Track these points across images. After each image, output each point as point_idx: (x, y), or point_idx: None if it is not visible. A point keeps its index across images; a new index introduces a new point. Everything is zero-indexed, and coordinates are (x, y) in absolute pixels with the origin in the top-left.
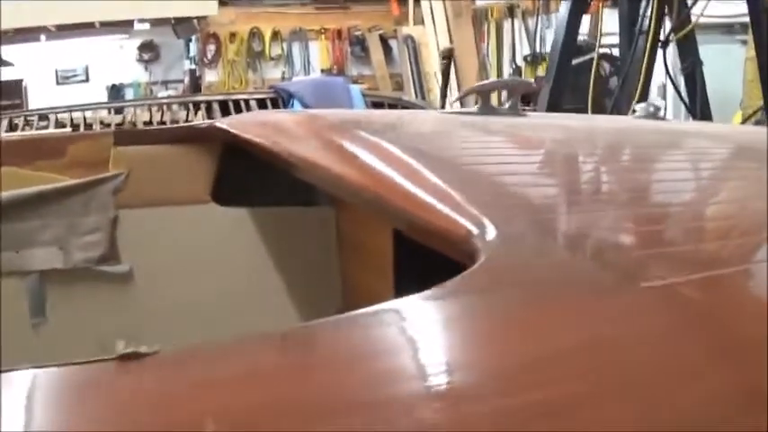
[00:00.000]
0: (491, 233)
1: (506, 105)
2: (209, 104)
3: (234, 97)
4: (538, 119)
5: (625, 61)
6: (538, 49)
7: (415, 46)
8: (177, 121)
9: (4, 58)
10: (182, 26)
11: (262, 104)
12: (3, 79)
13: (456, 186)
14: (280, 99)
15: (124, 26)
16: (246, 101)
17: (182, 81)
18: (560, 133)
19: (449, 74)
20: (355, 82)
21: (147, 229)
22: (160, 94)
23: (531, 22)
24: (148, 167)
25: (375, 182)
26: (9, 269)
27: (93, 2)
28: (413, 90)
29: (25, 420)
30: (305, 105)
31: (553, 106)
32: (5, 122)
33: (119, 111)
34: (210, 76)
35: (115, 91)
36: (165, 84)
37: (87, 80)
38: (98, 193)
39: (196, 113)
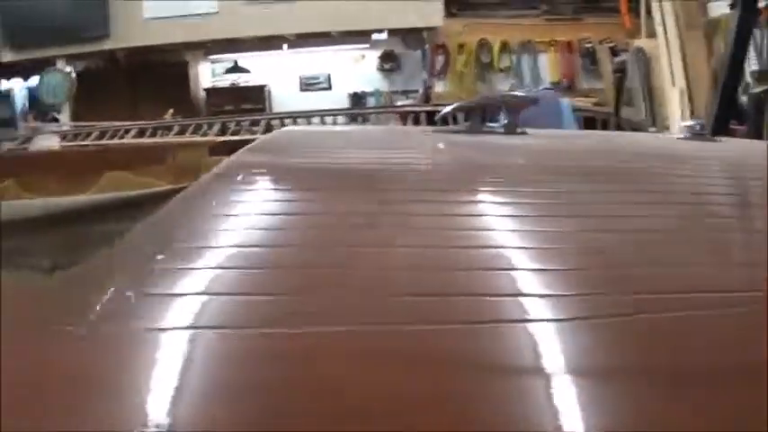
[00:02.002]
0: None
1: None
2: (416, 114)
3: (440, 108)
4: (532, 139)
5: None
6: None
7: (646, 59)
8: None
9: (241, 65)
10: (411, 37)
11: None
12: (248, 85)
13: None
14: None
15: (363, 36)
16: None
17: (418, 91)
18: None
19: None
20: (586, 96)
21: None
22: (398, 103)
23: (758, 36)
24: None
25: None
26: None
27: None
28: (643, 104)
29: None
30: None
31: (718, 130)
32: (218, 126)
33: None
34: (440, 87)
35: (356, 99)
36: (406, 93)
37: (330, 88)
38: None
39: (405, 122)
